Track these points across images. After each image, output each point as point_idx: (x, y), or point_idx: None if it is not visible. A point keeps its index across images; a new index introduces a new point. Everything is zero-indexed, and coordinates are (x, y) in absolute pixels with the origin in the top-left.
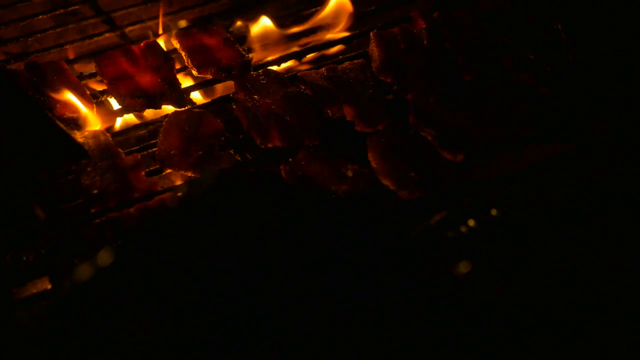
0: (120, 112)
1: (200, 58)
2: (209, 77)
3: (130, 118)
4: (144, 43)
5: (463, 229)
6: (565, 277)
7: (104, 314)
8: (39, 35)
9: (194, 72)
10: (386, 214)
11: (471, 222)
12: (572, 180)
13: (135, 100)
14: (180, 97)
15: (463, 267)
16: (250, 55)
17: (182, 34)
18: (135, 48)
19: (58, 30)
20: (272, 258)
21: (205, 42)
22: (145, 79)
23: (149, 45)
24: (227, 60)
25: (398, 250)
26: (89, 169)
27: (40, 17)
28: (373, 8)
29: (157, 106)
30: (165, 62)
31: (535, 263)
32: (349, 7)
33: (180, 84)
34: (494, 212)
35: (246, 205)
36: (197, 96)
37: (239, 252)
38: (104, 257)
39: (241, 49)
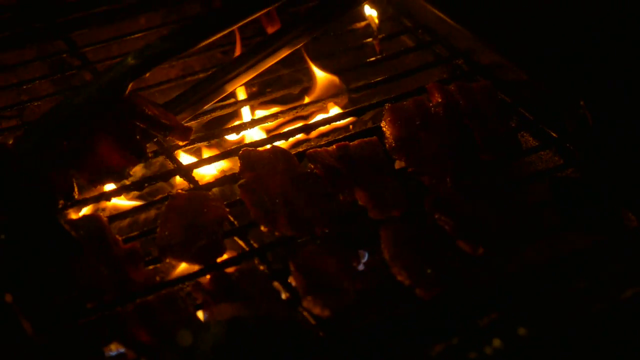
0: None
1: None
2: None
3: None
4: None
5: (488, 350)
6: None
7: None
8: (37, 102)
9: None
10: (401, 322)
11: (496, 343)
12: (605, 282)
13: (103, 178)
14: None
15: None
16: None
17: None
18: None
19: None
20: None
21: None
22: (108, 151)
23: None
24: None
25: None
26: (82, 261)
27: (37, 82)
28: (385, 77)
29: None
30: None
31: None
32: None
33: (146, 152)
34: (521, 331)
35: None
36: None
37: None
38: None
39: None
